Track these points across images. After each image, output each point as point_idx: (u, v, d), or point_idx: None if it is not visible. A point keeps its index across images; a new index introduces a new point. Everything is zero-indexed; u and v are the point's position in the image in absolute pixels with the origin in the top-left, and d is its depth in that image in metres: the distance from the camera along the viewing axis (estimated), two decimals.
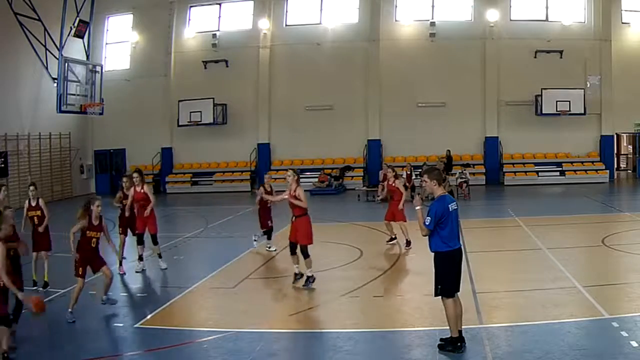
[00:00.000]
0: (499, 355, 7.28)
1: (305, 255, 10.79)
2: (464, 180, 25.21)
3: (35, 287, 11.15)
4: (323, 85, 31.03)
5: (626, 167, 34.78)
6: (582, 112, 29.04)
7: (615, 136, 31.45)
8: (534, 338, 7.78)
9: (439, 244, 7.48)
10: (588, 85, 29.71)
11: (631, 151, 33.97)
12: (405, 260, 13.21)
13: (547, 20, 30.41)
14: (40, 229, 11.40)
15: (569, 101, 28.85)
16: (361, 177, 30.75)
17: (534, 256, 13.01)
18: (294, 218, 10.91)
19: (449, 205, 7.47)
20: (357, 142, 31.16)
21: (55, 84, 26.87)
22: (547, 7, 30.49)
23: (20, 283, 8.15)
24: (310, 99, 31.12)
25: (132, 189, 12.49)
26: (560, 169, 30.09)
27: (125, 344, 8.45)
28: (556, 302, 9.38)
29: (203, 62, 32.13)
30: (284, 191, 11.30)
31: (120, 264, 12.49)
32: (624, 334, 7.70)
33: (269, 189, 14.29)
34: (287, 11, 32.23)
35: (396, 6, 31.41)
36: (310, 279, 10.82)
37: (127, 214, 12.64)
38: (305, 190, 11.09)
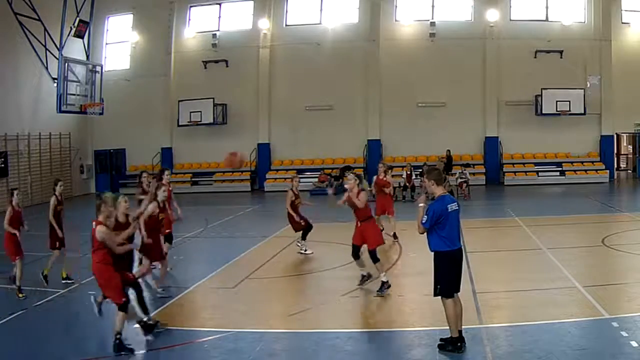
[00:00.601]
0: (499, 355, 7.28)
1: (375, 259, 10.39)
2: (464, 180, 25.20)
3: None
4: (323, 85, 31.03)
5: (626, 167, 34.77)
6: (582, 112, 29.05)
7: (615, 136, 31.47)
8: (534, 338, 7.77)
9: (438, 244, 7.49)
10: (588, 85, 29.71)
11: (631, 151, 33.95)
12: (406, 260, 13.21)
13: (547, 20, 30.42)
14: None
15: (569, 101, 28.87)
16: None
17: (534, 256, 13.01)
18: (359, 223, 10.65)
19: (448, 206, 7.47)
20: (357, 142, 31.16)
21: (55, 84, 26.87)
22: (547, 7, 30.51)
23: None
24: (310, 99, 31.12)
25: (167, 187, 11.99)
26: (560, 169, 30.10)
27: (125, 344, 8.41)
28: (556, 302, 9.38)
29: (203, 62, 32.13)
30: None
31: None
32: (624, 334, 7.70)
33: (297, 192, 14.03)
34: (287, 11, 32.24)
35: (396, 6, 31.42)
36: (385, 285, 10.19)
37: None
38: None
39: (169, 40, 32.48)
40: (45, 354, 8.17)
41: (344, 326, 8.84)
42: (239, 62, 32.03)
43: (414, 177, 25.20)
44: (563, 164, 30.13)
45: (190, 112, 31.25)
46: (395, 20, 31.34)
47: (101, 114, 29.53)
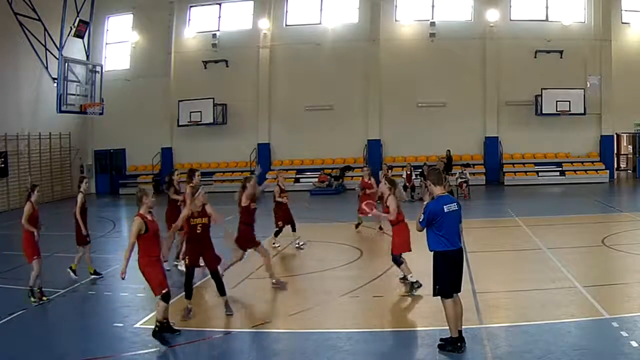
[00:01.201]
0: (498, 355, 7.29)
1: (396, 262, 10.72)
2: (464, 180, 25.21)
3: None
4: (323, 85, 31.02)
5: (626, 167, 34.77)
6: (582, 112, 29.05)
7: (615, 136, 31.47)
8: (534, 338, 7.78)
9: (436, 243, 7.52)
10: (588, 85, 29.70)
11: (631, 151, 33.96)
12: (406, 260, 13.19)
13: (547, 20, 30.42)
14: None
15: (569, 101, 28.86)
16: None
17: (534, 256, 13.01)
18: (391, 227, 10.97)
19: (445, 206, 7.48)
20: (357, 142, 31.15)
21: (55, 84, 26.86)
22: (547, 7, 30.50)
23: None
24: (310, 99, 31.10)
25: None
26: (560, 169, 30.09)
27: (125, 344, 8.43)
28: (556, 302, 9.38)
29: (203, 62, 32.13)
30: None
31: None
32: (624, 334, 7.70)
33: (283, 187, 15.08)
34: (287, 11, 32.24)
35: (396, 6, 31.42)
36: (415, 285, 10.33)
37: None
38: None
39: (169, 40, 32.47)
40: (46, 354, 8.16)
41: (344, 326, 8.83)
42: (239, 62, 32.03)
43: (414, 177, 25.20)
44: (563, 164, 30.12)
45: (190, 112, 31.23)
46: (395, 20, 31.34)
47: (101, 114, 29.52)
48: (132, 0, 32.55)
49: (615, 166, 32.31)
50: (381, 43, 30.92)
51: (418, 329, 8.49)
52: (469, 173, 26.37)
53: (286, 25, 32.18)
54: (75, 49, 28.78)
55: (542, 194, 26.44)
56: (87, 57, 29.72)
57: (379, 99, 31.03)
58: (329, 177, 29.62)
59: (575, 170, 29.80)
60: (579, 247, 14.07)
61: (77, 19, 27.79)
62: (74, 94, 27.70)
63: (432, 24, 30.60)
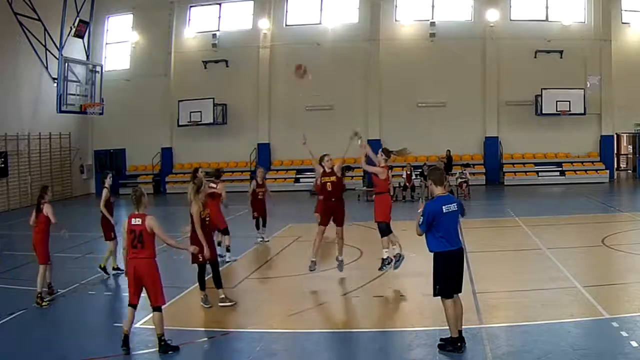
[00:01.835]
0: (498, 355, 7.28)
1: (381, 232, 11.30)
2: (464, 180, 25.22)
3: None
4: (323, 85, 30.94)
5: (626, 167, 34.78)
6: (582, 112, 29.06)
7: (615, 136, 31.48)
8: (534, 338, 7.77)
9: (435, 244, 7.49)
10: (588, 85, 29.71)
11: (631, 151, 33.97)
12: (406, 260, 13.18)
13: (547, 20, 30.43)
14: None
15: (569, 101, 28.87)
16: (361, 177, 30.73)
17: (534, 256, 13.00)
18: (373, 195, 11.69)
19: (443, 207, 7.45)
20: (357, 142, 31.04)
21: (55, 84, 26.91)
22: (547, 7, 30.52)
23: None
24: (310, 99, 31.09)
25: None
26: (560, 169, 30.10)
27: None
28: (556, 302, 9.37)
29: (203, 62, 32.14)
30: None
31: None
32: (624, 334, 7.69)
33: (260, 182, 15.75)
34: (287, 11, 32.25)
35: (396, 6, 31.43)
36: (385, 262, 11.33)
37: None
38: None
39: (169, 40, 32.48)
40: (46, 354, 8.16)
41: (344, 326, 8.83)
42: (239, 62, 32.03)
43: (413, 177, 25.21)
44: (563, 164, 30.14)
45: (190, 112, 31.25)
46: (395, 20, 31.35)
47: (101, 114, 29.55)
48: (132, 0, 32.56)
49: (615, 166, 32.32)
50: (381, 43, 30.93)
51: (418, 329, 8.47)
52: (469, 173, 26.38)
53: (286, 25, 32.20)
54: (75, 49, 28.81)
55: (542, 194, 26.45)
56: (87, 57, 29.77)
57: (379, 99, 31.04)
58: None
59: (575, 170, 29.81)
60: (579, 247, 14.07)
61: (77, 19, 27.85)
62: (74, 94, 27.76)
63: (432, 24, 30.62)
